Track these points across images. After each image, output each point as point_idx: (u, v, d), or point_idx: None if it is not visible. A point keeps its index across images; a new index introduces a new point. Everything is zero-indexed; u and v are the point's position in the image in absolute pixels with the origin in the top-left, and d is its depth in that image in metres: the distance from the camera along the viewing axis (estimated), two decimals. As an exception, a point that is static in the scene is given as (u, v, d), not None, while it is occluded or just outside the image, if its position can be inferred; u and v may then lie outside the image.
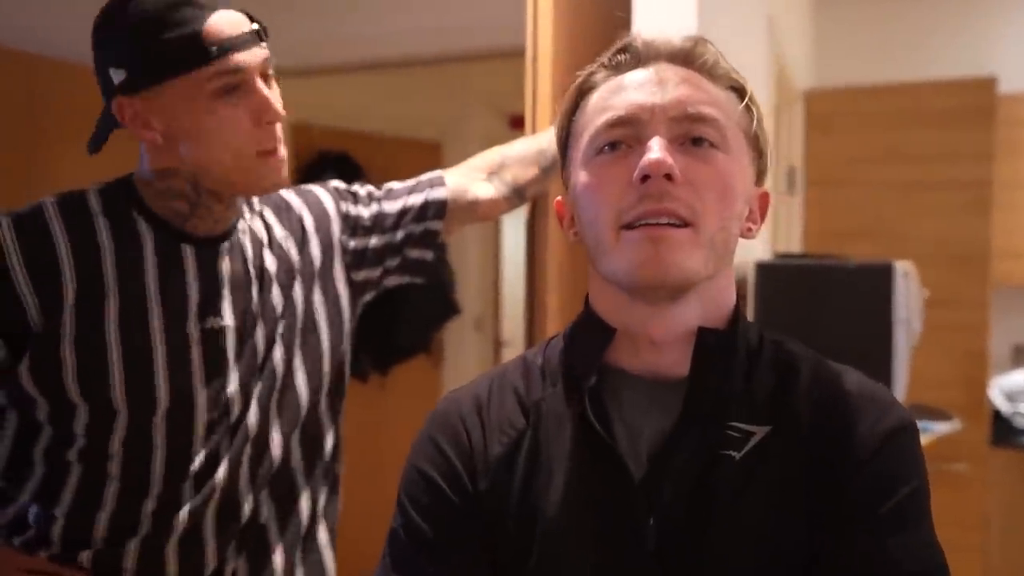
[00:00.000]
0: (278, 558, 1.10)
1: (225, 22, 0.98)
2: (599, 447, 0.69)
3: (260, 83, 1.00)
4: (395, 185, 1.26)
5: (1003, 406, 3.11)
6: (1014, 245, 3.02)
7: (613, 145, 0.67)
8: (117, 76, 0.97)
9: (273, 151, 1.02)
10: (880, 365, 1.65)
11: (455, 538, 0.73)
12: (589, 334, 0.73)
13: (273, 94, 1.02)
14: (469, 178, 1.26)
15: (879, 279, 1.67)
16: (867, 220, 2.99)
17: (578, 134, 0.72)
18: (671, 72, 0.69)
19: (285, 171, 1.06)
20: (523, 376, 0.77)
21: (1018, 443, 2.94)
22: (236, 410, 1.04)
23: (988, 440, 2.90)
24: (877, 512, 0.65)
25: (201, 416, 1.01)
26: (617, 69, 0.71)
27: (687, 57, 0.70)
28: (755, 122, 0.72)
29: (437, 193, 1.22)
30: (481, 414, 0.75)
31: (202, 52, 0.95)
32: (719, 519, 0.66)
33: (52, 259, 0.96)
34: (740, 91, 0.72)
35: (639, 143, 0.66)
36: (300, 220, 1.16)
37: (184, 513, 1.00)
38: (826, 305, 1.69)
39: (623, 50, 0.71)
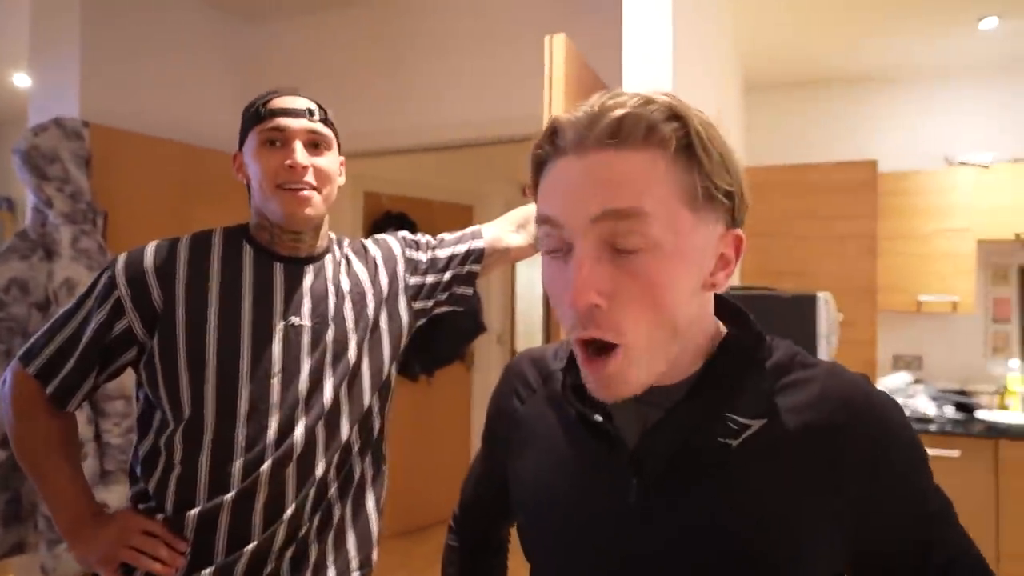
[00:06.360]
0: (336, 513, 1.06)
1: (282, 100, 1.03)
2: (593, 426, 0.60)
3: (298, 143, 1.01)
4: (446, 236, 1.23)
5: (888, 399, 3.21)
6: (892, 281, 3.07)
7: (552, 252, 0.53)
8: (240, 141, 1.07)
9: (290, 188, 1.00)
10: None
11: (488, 450, 0.79)
12: None
13: (320, 158, 1.03)
14: (503, 231, 1.24)
15: (807, 305, 1.67)
16: (790, 262, 3.01)
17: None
18: (585, 165, 0.50)
19: (307, 207, 1.02)
20: (561, 350, 0.71)
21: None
22: (304, 390, 1.00)
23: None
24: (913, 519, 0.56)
25: (275, 392, 0.99)
26: (555, 151, 0.53)
27: (596, 138, 0.50)
28: (702, 165, 0.50)
29: (477, 243, 1.21)
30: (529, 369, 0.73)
31: (258, 116, 1.02)
32: (706, 489, 0.55)
33: (172, 267, 1.00)
34: (664, 141, 0.49)
35: (569, 251, 0.52)
36: (374, 259, 1.15)
37: (266, 469, 0.96)
38: (767, 324, 1.69)
39: (552, 134, 0.53)
